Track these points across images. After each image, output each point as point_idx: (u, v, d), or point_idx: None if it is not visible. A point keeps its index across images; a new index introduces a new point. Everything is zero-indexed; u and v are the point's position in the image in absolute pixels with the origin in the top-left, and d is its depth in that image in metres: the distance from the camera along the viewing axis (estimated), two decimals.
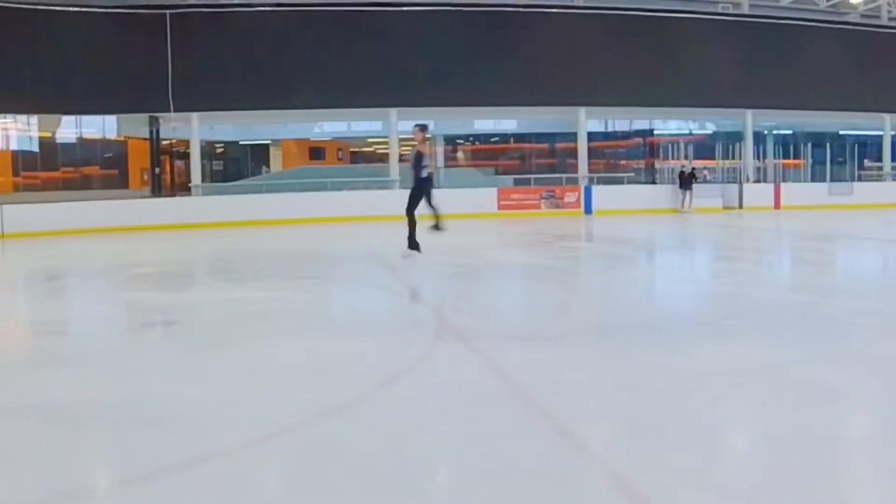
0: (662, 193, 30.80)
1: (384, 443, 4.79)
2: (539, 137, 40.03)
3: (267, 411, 5.52)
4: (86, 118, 34.86)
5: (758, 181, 33.29)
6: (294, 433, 5.04)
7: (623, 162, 38.89)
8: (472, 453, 4.55)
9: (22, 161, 35.17)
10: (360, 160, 42.13)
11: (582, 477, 4.20)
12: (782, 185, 32.26)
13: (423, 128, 14.81)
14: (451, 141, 40.85)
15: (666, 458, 4.39)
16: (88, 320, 10.72)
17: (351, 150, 42.78)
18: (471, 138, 42.25)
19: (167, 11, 28.18)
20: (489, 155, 41.45)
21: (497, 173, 35.46)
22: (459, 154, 41.45)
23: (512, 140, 41.30)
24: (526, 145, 40.76)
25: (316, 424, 5.19)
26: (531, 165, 39.03)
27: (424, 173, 14.27)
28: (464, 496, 4.08)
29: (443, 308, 10.02)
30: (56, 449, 4.90)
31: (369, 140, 42.22)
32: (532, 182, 31.18)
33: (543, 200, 28.18)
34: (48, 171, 35.55)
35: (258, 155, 41.67)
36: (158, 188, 33.04)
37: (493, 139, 41.87)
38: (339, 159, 41.18)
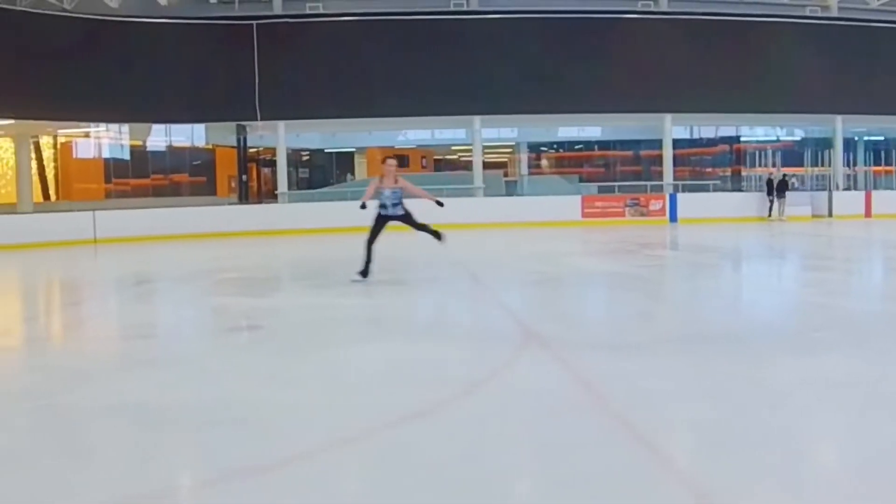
0: (749, 201, 30.19)
1: (463, 450, 4.77)
2: (624, 144, 39.70)
3: (348, 415, 5.56)
4: (175, 126, 35.60)
5: (848, 189, 32.46)
6: (374, 438, 5.06)
7: (709, 169, 38.33)
8: (552, 463, 4.52)
9: (114, 168, 36.07)
10: (444, 168, 42.24)
11: (663, 490, 4.13)
12: (873, 192, 31.39)
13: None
14: (534, 148, 40.75)
15: (750, 472, 4.28)
16: (176, 324, 10.92)
17: (435, 157, 42.91)
18: (555, 146, 42.06)
19: (254, 23, 28.58)
20: (573, 162, 41.23)
21: (581, 181, 35.20)
22: (543, 162, 41.35)
23: (596, 147, 41.01)
24: (610, 152, 40.46)
25: (396, 430, 5.20)
26: (615, 173, 38.70)
27: (400, 210, 13.81)
28: None
29: (526, 316, 9.96)
30: (143, 449, 5.01)
31: (453, 148, 42.32)
32: (616, 190, 30.90)
33: (628, 208, 27.92)
34: (139, 178, 36.37)
35: (343, 162, 42.06)
36: (245, 195, 33.50)
37: (577, 146, 41.64)
38: (423, 167, 41.31)
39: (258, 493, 4.24)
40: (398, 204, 13.54)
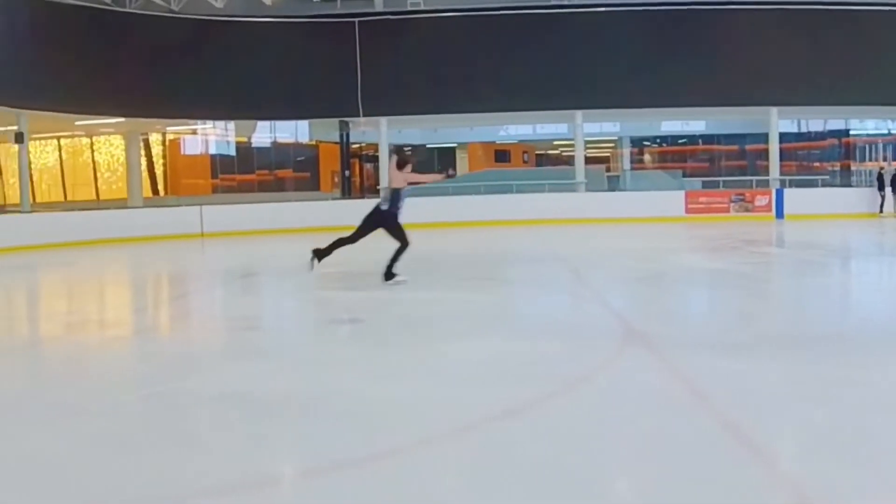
0: (859, 197, 29.28)
1: (562, 448, 4.75)
2: (728, 139, 38.99)
3: (446, 411, 5.58)
4: (279, 123, 36.19)
5: None
6: (472, 434, 5.06)
7: (816, 164, 37.39)
8: (652, 464, 4.45)
9: (220, 164, 36.87)
10: (546, 163, 42.12)
11: (766, 493, 4.03)
12: None
13: (401, 156, 12.96)
14: (637, 143, 40.36)
15: (856, 477, 4.16)
16: (280, 316, 11.13)
17: (536, 152, 42.82)
18: (658, 140, 41.59)
19: (356, 20, 28.83)
20: (676, 157, 40.68)
21: (685, 176, 34.70)
22: (646, 157, 40.92)
23: (700, 142, 40.40)
24: (715, 147, 39.79)
25: (495, 426, 5.19)
26: (720, 167, 38.08)
27: (399, 209, 12.52)
28: None
29: (628, 313, 9.83)
30: (248, 437, 5.12)
31: (554, 143, 42.18)
32: (721, 185, 30.35)
33: (732, 204, 27.33)
34: (244, 173, 37.09)
35: (445, 158, 42.22)
36: (348, 190, 33.87)
37: (680, 141, 41.08)
38: (525, 162, 41.25)
39: (357, 485, 4.28)
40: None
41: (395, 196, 12.25)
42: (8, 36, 24.44)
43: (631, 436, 4.92)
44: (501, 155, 40.48)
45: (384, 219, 12.39)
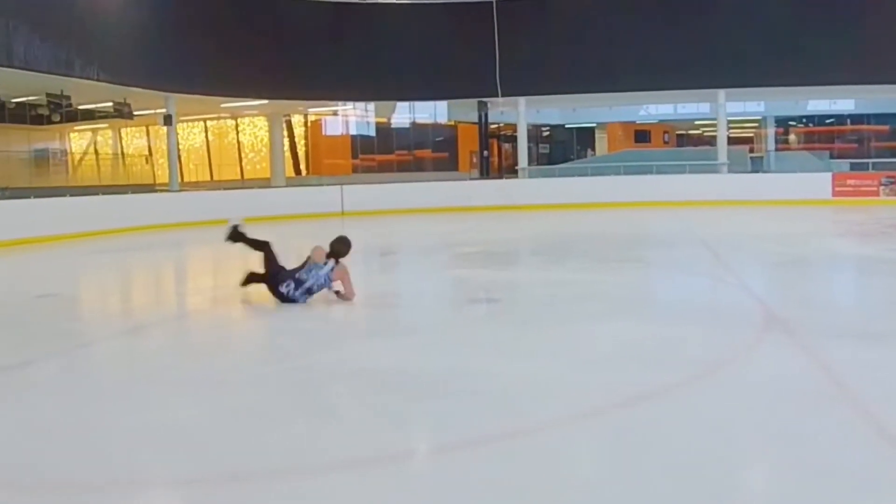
0: None
1: (698, 434, 4.65)
2: (879, 118, 37.49)
3: (581, 392, 5.54)
4: (418, 104, 36.52)
5: None
6: (606, 416, 5.01)
7: None
8: (790, 453, 4.31)
9: (360, 145, 37.45)
10: (687, 143, 41.37)
11: None
12: None
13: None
14: (782, 123, 39.20)
15: None
16: (417, 294, 11.23)
17: (677, 132, 42.08)
18: (804, 120, 40.31)
19: (493, 1, 28.79)
20: (823, 138, 39.38)
21: (832, 157, 33.52)
22: (791, 137, 39.75)
23: (849, 121, 38.97)
24: (864, 127, 38.34)
25: (630, 409, 5.13)
26: (870, 149, 36.66)
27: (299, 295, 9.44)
28: (777, 499, 3.92)
29: (769, 298, 9.53)
30: (382, 412, 5.19)
31: (696, 122, 41.36)
32: (870, 167, 29.14)
33: (883, 187, 26.18)
34: (384, 153, 37.60)
35: (584, 138, 41.94)
36: (486, 170, 33.94)
37: (828, 121, 39.73)
38: (665, 142, 40.59)
39: (489, 462, 4.30)
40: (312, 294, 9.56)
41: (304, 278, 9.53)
42: (156, 22, 25.31)
43: (767, 425, 4.77)
44: (641, 135, 39.90)
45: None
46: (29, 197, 20.73)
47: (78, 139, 37.64)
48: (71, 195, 22.91)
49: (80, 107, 29.60)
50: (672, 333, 7.40)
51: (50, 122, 29.70)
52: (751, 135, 40.79)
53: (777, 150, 36.63)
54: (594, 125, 41.24)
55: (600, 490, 3.93)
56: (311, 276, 9.51)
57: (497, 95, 29.09)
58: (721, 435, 4.64)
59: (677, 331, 7.52)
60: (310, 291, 9.42)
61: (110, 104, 27.53)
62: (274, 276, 9.60)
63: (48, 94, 25.31)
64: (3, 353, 7.87)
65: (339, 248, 9.93)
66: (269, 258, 9.95)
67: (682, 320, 8.14)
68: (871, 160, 30.38)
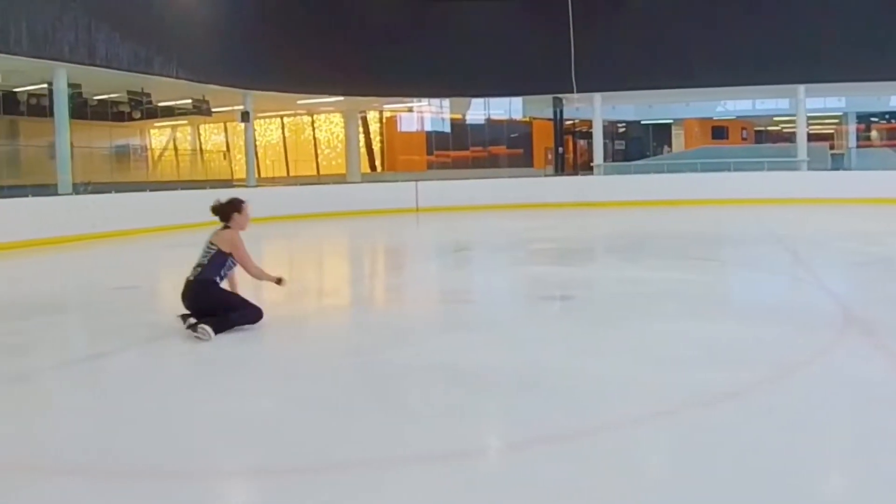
0: None
1: (775, 435, 4.56)
2: None
3: (657, 391, 5.49)
4: (493, 100, 36.51)
5: None
6: (682, 415, 4.96)
7: None
8: (869, 458, 4.21)
9: (435, 141, 37.58)
10: (765, 139, 40.73)
11: None
12: None
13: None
14: (864, 119, 38.39)
15: None
16: (492, 290, 11.23)
17: (755, 129, 41.46)
18: (886, 116, 39.40)
19: None
20: None
21: None
22: (873, 133, 38.91)
23: None
24: None
25: (706, 408, 5.07)
26: None
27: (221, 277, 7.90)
28: None
29: (849, 299, 9.31)
30: (455, 408, 5.21)
31: (775, 119, 40.71)
32: None
33: None
34: (458, 150, 37.69)
35: (660, 134, 41.54)
36: (561, 167, 33.83)
37: None
38: (743, 139, 40.02)
39: (559, 461, 4.28)
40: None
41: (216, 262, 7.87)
42: (233, 20, 25.66)
43: (845, 428, 4.67)
44: (718, 131, 39.41)
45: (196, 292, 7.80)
46: (110, 191, 21.14)
47: (157, 135, 38.30)
48: (150, 190, 23.37)
49: (160, 104, 30.11)
50: (748, 333, 7.29)
51: (130, 118, 30.32)
52: (831, 131, 40.04)
53: (858, 146, 35.87)
54: (670, 121, 40.81)
55: (672, 491, 3.89)
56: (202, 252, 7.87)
57: (572, 91, 28.98)
58: (796, 438, 4.55)
59: (754, 331, 7.40)
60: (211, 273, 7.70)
61: (189, 101, 28.04)
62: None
63: (129, 92, 25.85)
64: (82, 344, 8.07)
65: (221, 208, 8.04)
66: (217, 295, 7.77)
67: (758, 320, 8.01)
68: None
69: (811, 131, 30.71)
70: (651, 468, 4.24)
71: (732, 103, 37.97)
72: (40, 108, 23.75)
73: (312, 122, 38.39)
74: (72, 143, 21.57)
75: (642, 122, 41.53)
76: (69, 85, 21.30)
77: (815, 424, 4.76)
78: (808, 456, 4.31)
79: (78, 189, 21.06)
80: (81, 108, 26.04)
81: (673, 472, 4.18)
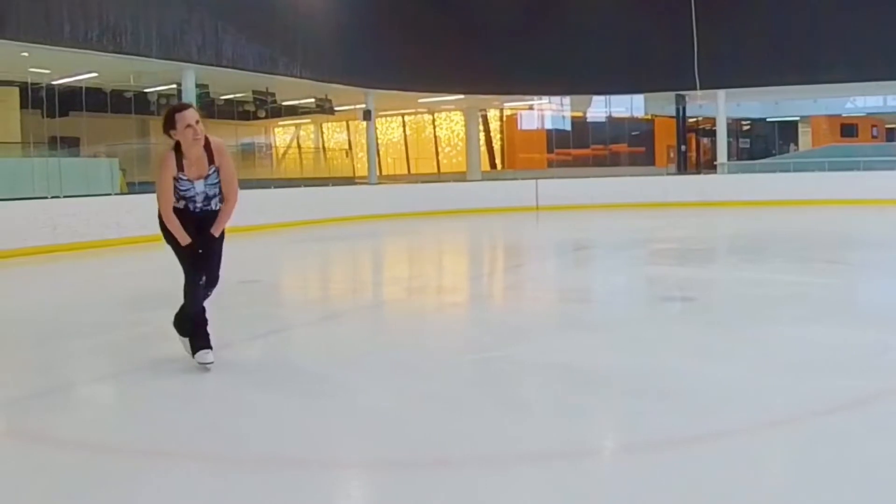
0: None
1: None
2: None
3: (777, 396, 5.37)
4: (614, 98, 36.23)
5: None
6: (803, 424, 4.84)
7: None
8: None
9: (555, 139, 37.50)
10: None
11: None
12: None
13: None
14: None
15: None
16: (610, 290, 11.17)
17: (887, 126, 40.14)
18: None
19: None
20: None
21: None
22: None
23: None
24: None
25: (828, 418, 4.93)
26: None
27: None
28: None
29: None
30: (570, 407, 5.20)
31: None
32: None
33: None
34: (579, 148, 37.55)
35: (786, 132, 40.61)
36: (684, 165, 33.38)
37: None
38: (874, 136, 38.81)
39: (674, 465, 4.24)
40: (215, 197, 6.39)
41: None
42: (355, 21, 26.02)
43: None
44: (848, 129, 38.28)
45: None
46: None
47: (281, 133, 39.10)
48: (275, 187, 23.89)
49: (284, 103, 30.75)
50: (878, 340, 7.07)
51: (256, 117, 31.01)
52: None
53: None
54: (797, 119, 39.83)
55: (788, 501, 3.82)
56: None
57: (695, 88, 28.55)
58: None
59: (881, 337, 7.18)
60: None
61: (312, 100, 28.58)
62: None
63: (254, 92, 26.48)
64: None
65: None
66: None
67: (885, 327, 7.76)
68: None
69: None
70: (769, 478, 4.14)
71: (862, 100, 36.81)
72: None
73: (433, 121, 38.69)
74: None
75: (768, 120, 40.63)
76: (197, 85, 21.95)
77: None
78: None
79: None
80: (208, 108, 26.73)
81: (790, 482, 4.08)
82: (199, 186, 6.26)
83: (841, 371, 5.99)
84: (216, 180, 6.36)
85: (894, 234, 16.64)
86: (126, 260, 14.71)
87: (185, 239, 6.26)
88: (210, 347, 6.37)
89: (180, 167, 6.16)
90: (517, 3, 29.32)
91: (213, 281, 6.60)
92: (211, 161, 6.28)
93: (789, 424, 4.85)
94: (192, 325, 6.45)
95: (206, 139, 6.20)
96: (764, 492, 3.94)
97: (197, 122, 6.11)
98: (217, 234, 6.48)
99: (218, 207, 6.46)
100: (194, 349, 6.37)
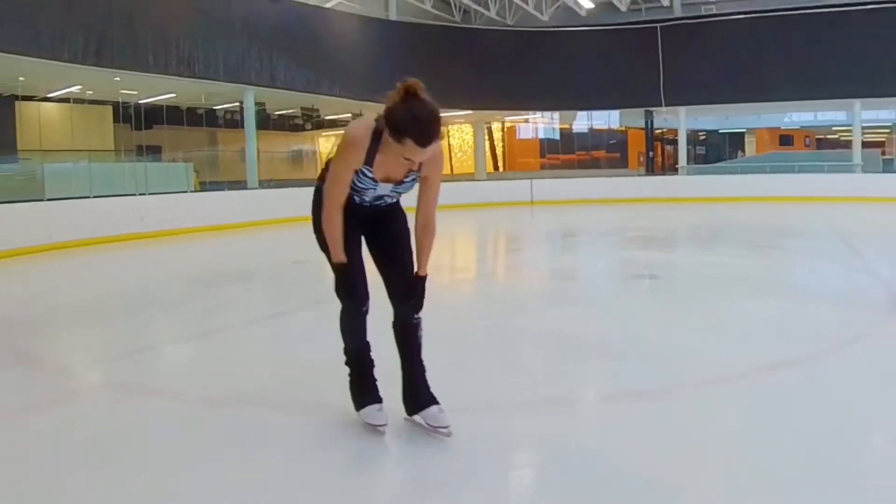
0: None
1: (829, 402, 4.44)
2: None
3: (727, 358, 5.39)
4: (595, 112, 36.07)
5: None
6: (748, 380, 4.86)
7: None
8: None
9: (547, 146, 37.42)
10: (825, 146, 39.09)
11: None
12: None
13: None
14: None
15: None
16: (592, 270, 11.15)
17: (816, 137, 39.86)
18: None
19: (658, 25, 28.17)
20: None
21: None
22: None
23: None
24: None
25: (769, 376, 4.94)
26: None
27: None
28: (892, 462, 3.73)
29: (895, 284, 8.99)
30: (562, 366, 5.22)
31: (833, 128, 39.04)
32: None
33: None
34: (566, 154, 37.45)
35: (735, 142, 40.31)
36: (651, 168, 33.24)
37: None
38: (806, 146, 38.50)
39: (647, 412, 4.29)
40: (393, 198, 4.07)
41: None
42: (383, 51, 25.94)
43: (890, 399, 4.48)
44: (785, 139, 37.98)
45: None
46: (287, 187, 21.74)
47: (324, 142, 38.97)
48: None
49: (326, 117, 30.71)
50: (808, 312, 7.09)
51: (303, 129, 30.97)
52: (883, 139, 38.12)
53: None
54: (744, 130, 39.50)
55: (736, 444, 3.85)
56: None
57: (661, 105, 28.47)
58: (847, 404, 4.41)
59: (813, 309, 7.19)
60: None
61: (349, 115, 28.50)
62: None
63: (302, 108, 26.50)
64: (265, 305, 8.34)
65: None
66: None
67: (817, 301, 7.77)
68: None
69: (865, 139, 29.21)
70: (719, 422, 4.17)
71: (797, 115, 36.50)
72: (233, 121, 24.51)
73: (448, 131, 38.56)
74: (258, 149, 22.21)
75: (720, 131, 40.33)
76: (256, 103, 21.97)
77: (865, 394, 4.61)
78: (855, 421, 4.17)
79: (262, 185, 21.67)
80: (265, 121, 26.73)
81: (738, 426, 4.11)
82: (383, 189, 3.93)
83: (780, 336, 6.00)
84: (410, 188, 4.01)
85: (822, 226, 16.54)
86: (199, 245, 14.76)
87: (339, 255, 4.00)
88: (379, 401, 4.06)
89: (370, 161, 3.76)
90: (517, 37, 29.29)
91: (411, 306, 4.14)
92: (416, 168, 3.82)
93: (738, 380, 4.87)
94: (354, 370, 4.20)
95: None
96: (718, 432, 3.99)
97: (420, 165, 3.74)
98: (424, 274, 4.07)
99: (393, 202, 4.10)
100: (358, 402, 4.10)
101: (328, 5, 24.52)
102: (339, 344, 4.08)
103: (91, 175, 16.49)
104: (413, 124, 3.48)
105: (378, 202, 4.00)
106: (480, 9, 29.13)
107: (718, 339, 5.99)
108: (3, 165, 16.13)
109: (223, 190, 19.91)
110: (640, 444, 3.77)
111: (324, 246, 4.06)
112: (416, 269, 4.06)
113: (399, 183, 3.88)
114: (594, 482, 3.27)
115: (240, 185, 21.21)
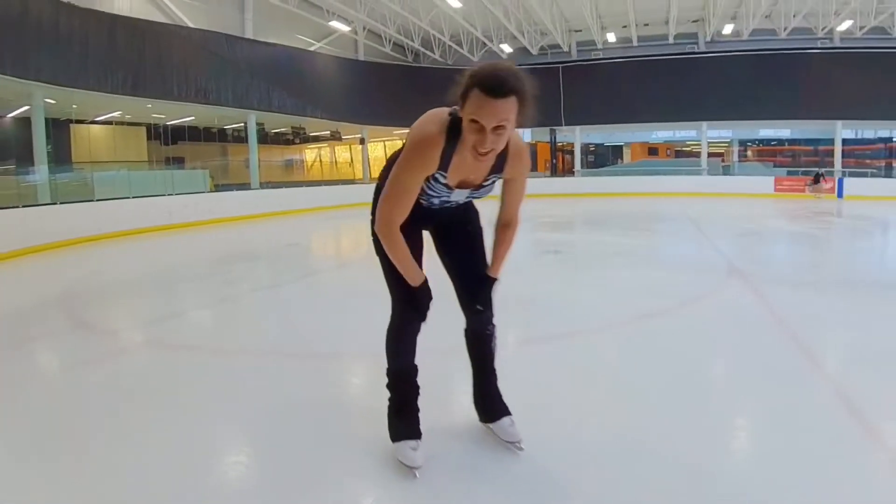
0: None
1: (687, 340, 4.61)
2: (806, 142, 35.24)
3: (610, 311, 5.52)
4: (517, 131, 36.09)
5: None
6: (626, 327, 4.99)
7: (868, 161, 32.98)
8: (738, 358, 4.22)
9: None
10: (681, 156, 39.79)
11: (812, 390, 3.64)
12: None
13: None
14: (743, 143, 37.34)
15: (884, 385, 3.67)
16: (514, 248, 11.20)
17: (675, 149, 40.56)
18: (757, 142, 38.19)
19: (560, 65, 28.46)
20: (769, 153, 37.23)
21: (775, 167, 31.68)
22: (748, 153, 37.84)
23: (786, 143, 36.74)
24: (796, 147, 36.10)
25: (640, 323, 5.08)
26: (800, 162, 34.47)
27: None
28: (732, 384, 3.88)
29: (732, 256, 9.14)
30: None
31: (687, 143, 39.75)
32: (800, 173, 27.50)
33: (807, 187, 24.64)
34: None
35: (616, 152, 40.76)
36: (554, 171, 33.48)
37: (772, 142, 37.49)
38: (668, 155, 39.10)
39: (555, 350, 4.38)
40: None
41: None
42: (356, 83, 25.71)
43: (728, 339, 4.66)
44: (653, 150, 38.52)
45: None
46: (281, 188, 21.51)
47: (309, 153, 38.41)
48: (305, 186, 23.58)
49: (311, 134, 30.21)
50: (667, 276, 7.27)
51: (293, 143, 30.45)
52: (722, 150, 38.93)
53: (740, 161, 34.73)
54: (623, 143, 40.02)
55: (620, 372, 3.97)
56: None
57: (562, 124, 28.76)
58: (698, 342, 4.60)
59: (670, 275, 7.37)
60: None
61: (328, 132, 28.15)
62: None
63: (292, 126, 26.06)
64: (265, 279, 8.24)
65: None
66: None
67: (675, 269, 7.96)
68: (800, 169, 28.68)
69: (710, 150, 29.80)
70: (608, 357, 4.30)
71: (661, 133, 37.15)
72: (240, 137, 23.92)
73: (403, 144, 38.30)
74: (259, 159, 21.94)
75: (605, 144, 40.78)
76: (257, 123, 21.64)
77: (708, 336, 4.80)
78: (704, 354, 4.36)
79: (262, 186, 21.39)
80: (264, 137, 26.17)
81: (620, 360, 4.23)
82: (459, 196, 2.73)
83: (651, 295, 6.15)
84: (489, 192, 2.82)
85: (681, 213, 16.89)
86: (216, 233, 14.49)
87: (416, 278, 2.87)
88: (418, 436, 2.85)
89: (444, 165, 2.56)
90: (453, 73, 28.92)
91: (479, 307, 3.06)
92: (498, 168, 2.71)
93: (621, 326, 5.00)
94: (395, 394, 2.97)
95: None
96: (604, 364, 4.11)
97: (502, 123, 2.55)
98: (496, 276, 3.09)
99: (464, 202, 2.86)
100: (395, 432, 2.88)
101: (312, 48, 24.30)
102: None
103: (130, 181, 16.17)
104: (480, 70, 2.36)
105: (447, 204, 2.71)
106: (427, 52, 29.00)
107: (605, 297, 6.12)
108: (62, 174, 15.67)
109: (232, 190, 19.57)
110: (551, 373, 3.87)
111: (380, 250, 2.80)
112: (487, 270, 2.86)
113: (478, 188, 2.63)
114: (519, 401, 3.33)
115: (245, 186, 20.89)
